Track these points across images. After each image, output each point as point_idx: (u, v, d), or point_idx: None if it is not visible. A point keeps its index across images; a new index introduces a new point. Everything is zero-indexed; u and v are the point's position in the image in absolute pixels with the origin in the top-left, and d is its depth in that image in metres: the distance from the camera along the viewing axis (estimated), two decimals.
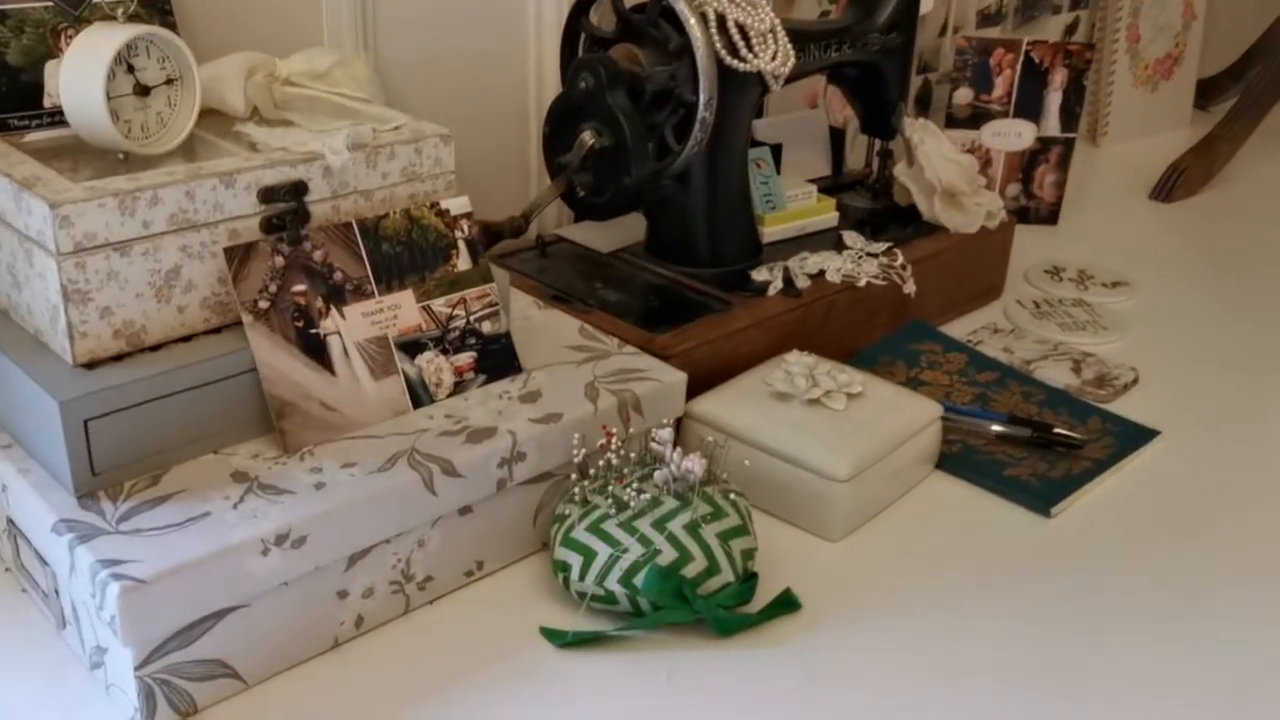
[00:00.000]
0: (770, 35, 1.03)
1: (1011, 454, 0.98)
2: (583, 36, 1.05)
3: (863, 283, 1.09)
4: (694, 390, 0.93)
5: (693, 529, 0.75)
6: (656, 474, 0.77)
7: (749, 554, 0.77)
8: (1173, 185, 1.65)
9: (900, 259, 1.13)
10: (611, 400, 0.84)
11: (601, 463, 0.78)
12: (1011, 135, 1.49)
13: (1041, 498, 0.92)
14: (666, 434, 0.79)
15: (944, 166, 1.21)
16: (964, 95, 1.48)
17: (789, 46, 1.05)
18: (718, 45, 1.00)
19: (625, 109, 0.96)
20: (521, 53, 1.16)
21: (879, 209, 1.28)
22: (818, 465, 0.86)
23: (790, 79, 1.11)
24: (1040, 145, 1.50)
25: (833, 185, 1.32)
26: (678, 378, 0.88)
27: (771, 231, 1.16)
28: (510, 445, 0.78)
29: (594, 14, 1.03)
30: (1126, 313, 1.27)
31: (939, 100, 1.61)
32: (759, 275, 1.07)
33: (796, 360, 0.95)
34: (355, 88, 0.92)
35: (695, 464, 0.76)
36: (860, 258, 1.13)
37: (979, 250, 1.24)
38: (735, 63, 1.01)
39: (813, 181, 1.30)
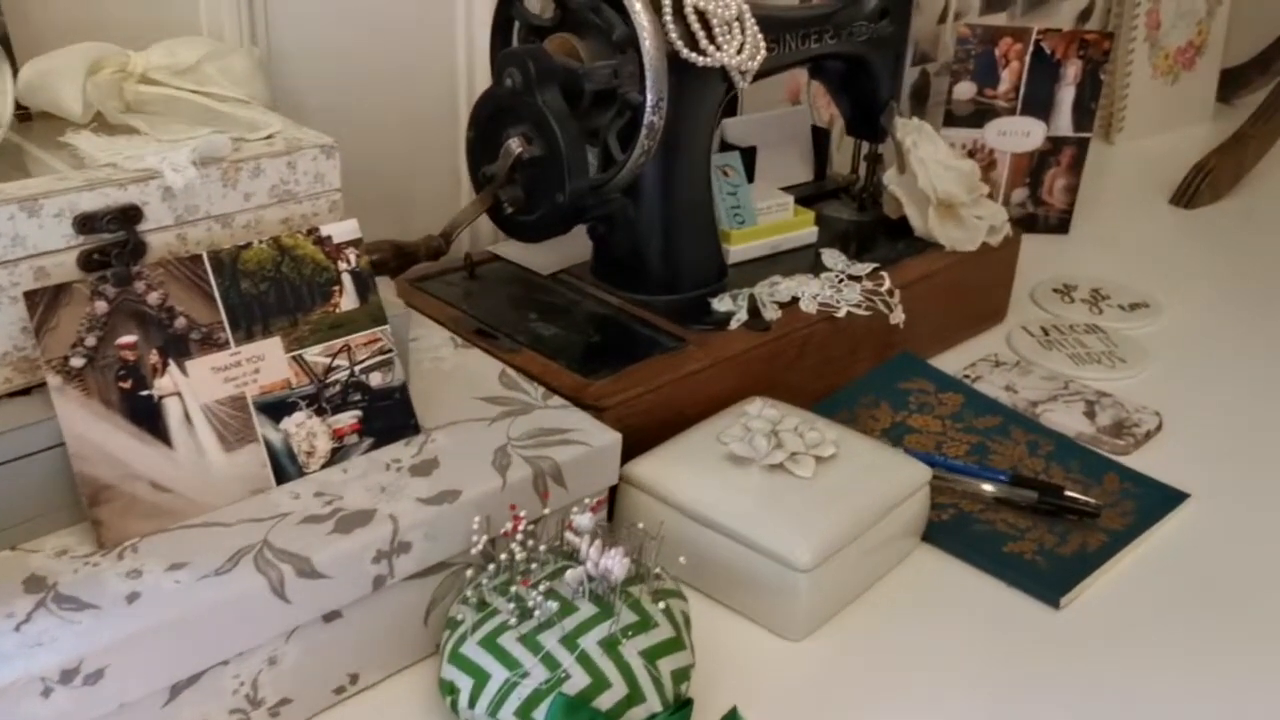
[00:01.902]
0: (736, 24, 0.88)
1: (1014, 524, 0.83)
2: (516, 25, 0.90)
3: (842, 313, 0.94)
4: (639, 445, 0.78)
5: (611, 646, 0.60)
6: (569, 573, 0.62)
7: (682, 675, 0.62)
8: (1197, 188, 1.49)
9: (887, 283, 0.97)
10: (526, 471, 0.69)
11: (504, 555, 0.64)
12: (1019, 135, 1.33)
13: (1048, 584, 0.77)
14: (585, 521, 0.64)
15: (940, 174, 1.06)
16: (965, 90, 1.32)
17: (759, 37, 0.90)
18: (672, 35, 0.84)
19: (558, 111, 0.80)
20: (450, 45, 1.00)
21: (866, 221, 1.12)
22: (775, 550, 0.70)
23: (762, 74, 0.95)
24: (1050, 146, 1.34)
25: (814, 193, 1.16)
26: (609, 440, 0.73)
27: (739, 250, 1.01)
28: (390, 534, 0.63)
29: None
30: (1147, 340, 1.12)
31: (938, 95, 1.45)
32: (721, 305, 0.92)
33: (758, 412, 0.79)
34: (231, 86, 0.76)
35: (616, 564, 0.61)
36: (841, 281, 0.97)
37: (980, 270, 1.09)
38: (693, 56, 0.85)
39: (792, 189, 1.15)
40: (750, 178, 1.09)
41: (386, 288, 0.84)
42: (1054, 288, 1.22)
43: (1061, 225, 1.38)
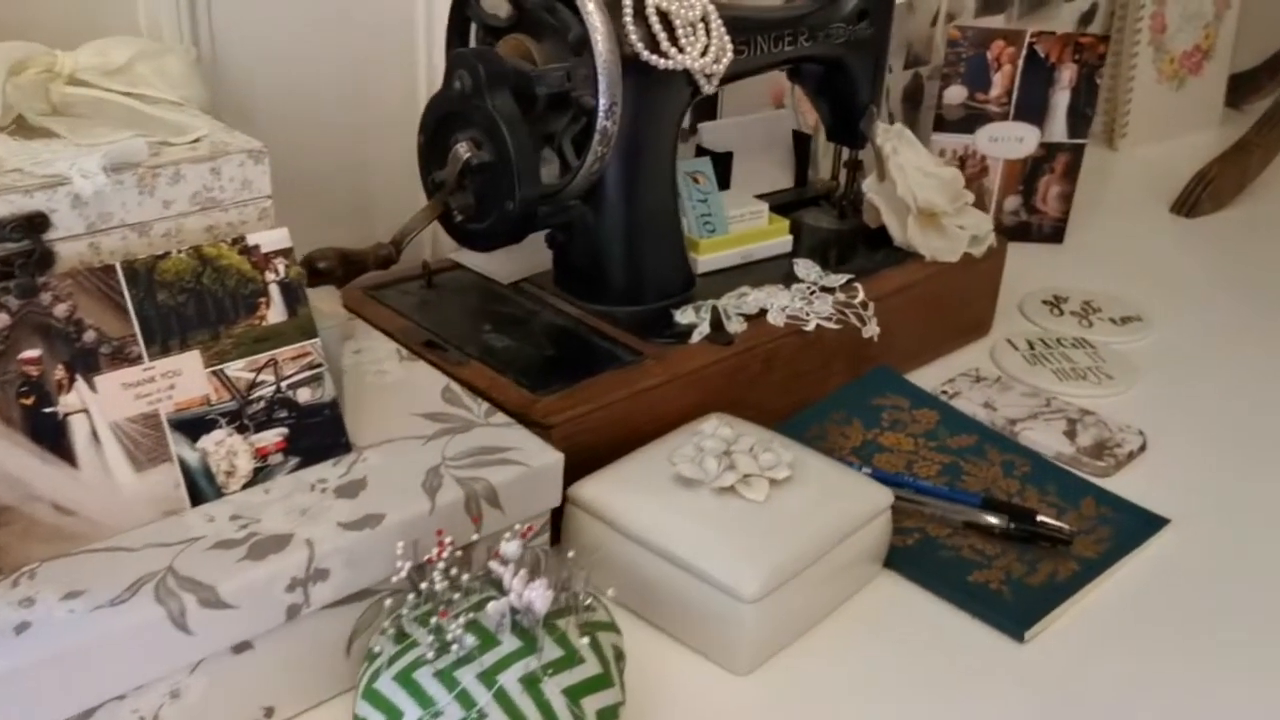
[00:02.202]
0: (701, 25, 0.84)
1: (983, 550, 0.79)
2: (474, 26, 0.86)
3: (811, 326, 0.90)
4: (589, 465, 0.75)
5: (531, 683, 0.57)
6: (491, 605, 0.58)
7: (609, 713, 0.59)
8: (1198, 198, 1.45)
9: (860, 295, 0.94)
10: (456, 493, 0.66)
11: (424, 585, 0.60)
12: (1011, 140, 1.29)
13: (1014, 616, 0.73)
14: (513, 548, 0.61)
15: (921, 182, 1.02)
16: (956, 94, 1.28)
17: (726, 39, 0.86)
18: (632, 37, 0.81)
19: (508, 115, 0.77)
20: (410, 46, 0.97)
21: (846, 230, 1.08)
22: (720, 578, 0.67)
23: (732, 77, 0.92)
24: (1044, 152, 1.30)
25: (795, 200, 1.13)
26: (550, 460, 0.70)
27: (708, 260, 0.97)
28: (306, 561, 0.59)
29: None
30: (1137, 355, 1.08)
31: (930, 98, 1.41)
32: (683, 317, 0.88)
33: (713, 431, 0.76)
34: (166, 88, 0.74)
35: (538, 597, 0.57)
36: (813, 293, 0.94)
37: (962, 281, 1.05)
38: (654, 59, 0.82)
39: (771, 196, 1.11)
40: (725, 184, 1.06)
41: (331, 297, 0.81)
42: (1044, 299, 1.18)
43: (1056, 234, 1.33)
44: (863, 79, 1.02)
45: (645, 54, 0.82)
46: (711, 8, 0.85)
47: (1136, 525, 0.82)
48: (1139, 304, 1.18)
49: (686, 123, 1.00)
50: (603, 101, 0.77)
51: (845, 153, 1.10)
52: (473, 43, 0.87)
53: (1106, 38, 1.27)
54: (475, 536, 0.65)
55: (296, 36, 0.90)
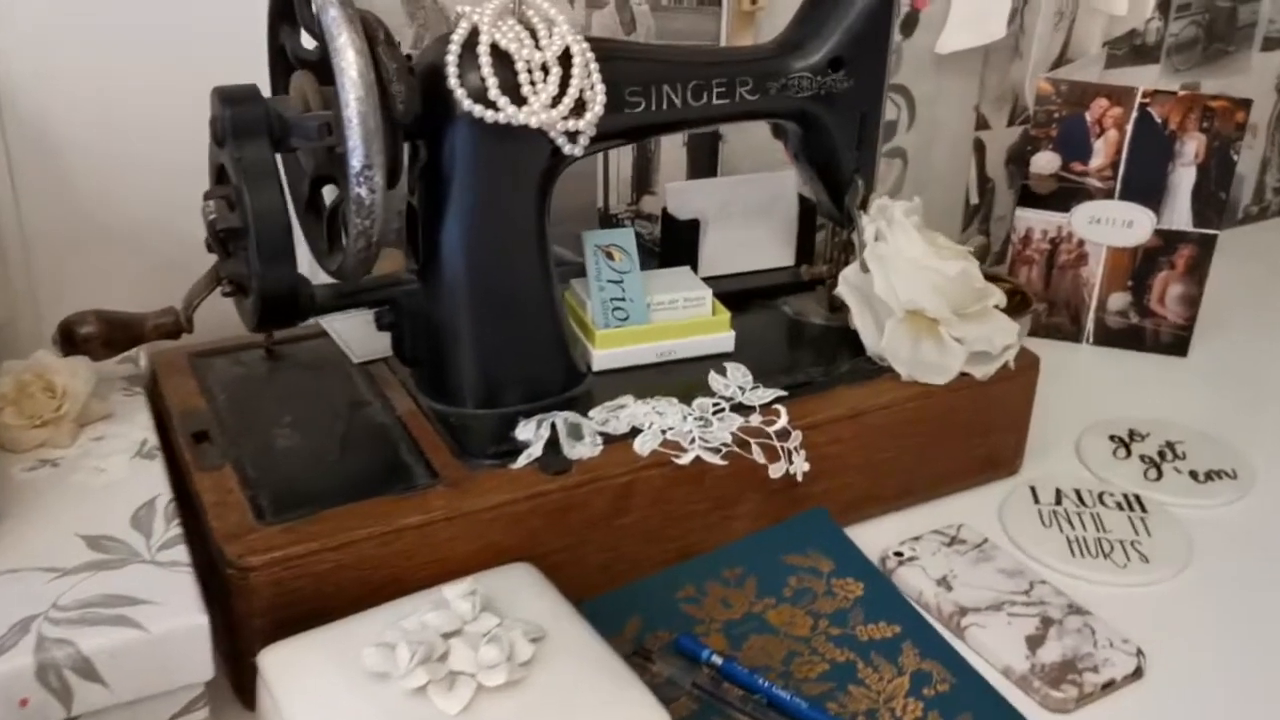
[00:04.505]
0: (556, 68, 0.66)
1: None
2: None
3: (686, 459, 0.70)
4: (316, 621, 0.59)
5: None
6: None
7: None
8: None
9: (782, 421, 0.72)
10: (25, 661, 0.51)
11: None
12: (1118, 224, 1.02)
13: None
14: None
15: (910, 276, 0.79)
16: (1047, 162, 1.03)
17: (596, 88, 0.68)
18: (452, 82, 0.64)
19: (255, 170, 0.62)
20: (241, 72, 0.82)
21: (834, 327, 0.86)
22: None
23: (647, 132, 0.74)
24: (1161, 242, 1.02)
25: (788, 284, 0.91)
26: (189, 624, 0.54)
27: (607, 355, 0.78)
28: None
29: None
30: (1205, 530, 0.80)
31: None
32: (524, 431, 0.70)
33: (455, 597, 0.58)
34: None
35: None
36: (719, 412, 0.73)
37: (967, 405, 0.81)
38: (475, 109, 0.65)
39: (758, 276, 0.91)
40: (685, 259, 0.87)
41: (84, 369, 0.69)
42: (1114, 433, 0.91)
43: (1177, 345, 1.05)
44: (842, 143, 0.81)
45: (466, 103, 0.65)
46: (580, 46, 0.67)
47: None
48: (1241, 455, 0.89)
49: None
50: (354, 162, 0.60)
51: (839, 232, 0.88)
52: None
53: (1248, 102, 0.98)
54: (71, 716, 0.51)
55: (104, 59, 0.77)
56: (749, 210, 0.92)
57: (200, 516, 0.62)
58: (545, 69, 0.66)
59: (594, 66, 0.68)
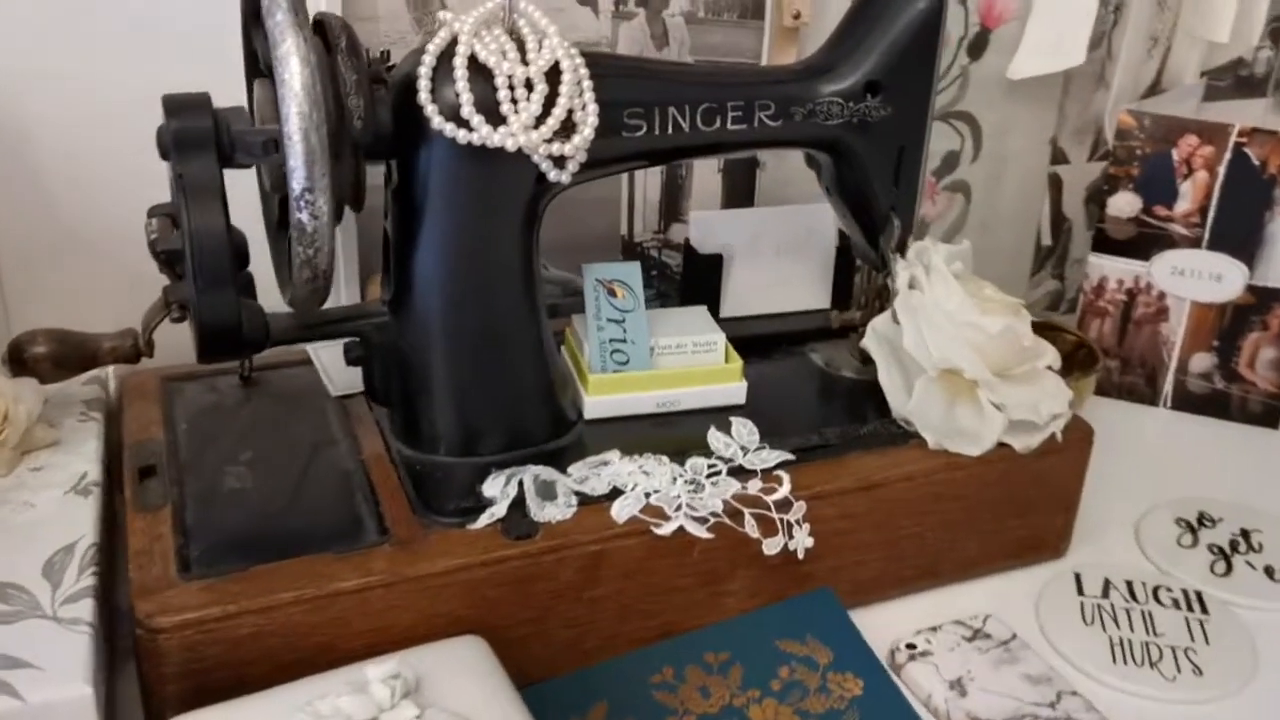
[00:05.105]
0: (541, 83, 0.59)
1: None
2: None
3: (667, 530, 0.63)
4: (240, 690, 0.53)
5: None
6: None
7: None
8: None
9: (784, 490, 0.65)
10: None
11: None
12: (1204, 278, 0.92)
13: None
14: None
15: (945, 332, 0.70)
16: (1126, 204, 0.93)
17: (586, 109, 0.61)
18: (422, 94, 0.58)
19: (197, 187, 0.56)
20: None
21: (864, 381, 0.78)
22: None
23: (650, 159, 0.67)
24: (1253, 299, 0.91)
25: (821, 329, 0.83)
26: (68, 696, 0.49)
27: (601, 403, 0.71)
28: None
29: None
30: (1276, 634, 0.70)
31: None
32: (492, 486, 0.63)
33: (376, 679, 0.52)
34: None
35: None
36: (714, 475, 0.66)
37: (1014, 480, 0.72)
38: (447, 128, 0.58)
39: (800, 316, 0.84)
40: (705, 299, 0.80)
41: (30, 392, 0.64)
42: (1181, 516, 0.81)
43: (1267, 417, 0.94)
44: (878, 178, 0.72)
45: (437, 120, 0.58)
46: (572, 61, 0.60)
47: None
48: None
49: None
50: (293, 184, 0.54)
51: (874, 275, 0.79)
52: None
53: None
54: None
55: (85, 59, 0.72)
56: (781, 245, 0.84)
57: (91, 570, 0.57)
58: (529, 85, 0.59)
59: (587, 84, 0.61)
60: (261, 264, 0.62)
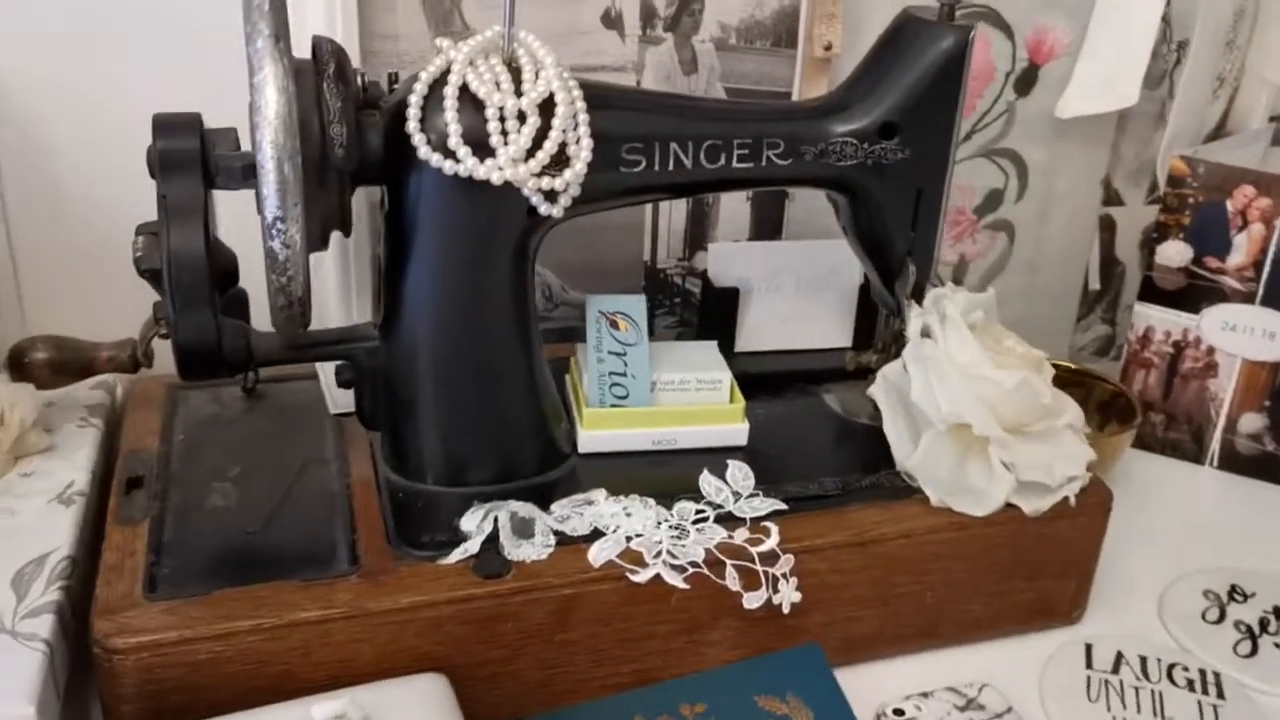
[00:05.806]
0: (534, 115, 0.58)
1: None
2: None
3: (643, 577, 0.61)
4: (193, 713, 0.53)
5: None
6: None
7: None
8: None
9: (771, 542, 0.63)
10: None
11: None
12: (1257, 335, 0.87)
13: None
14: None
15: (957, 385, 0.67)
16: (1177, 253, 0.88)
17: (580, 142, 0.59)
18: (411, 124, 0.57)
19: (178, 209, 0.56)
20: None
21: (877, 429, 0.75)
22: None
23: (649, 194, 0.65)
24: None
25: (837, 370, 0.80)
26: (11, 716, 0.49)
27: (595, 438, 0.70)
28: None
29: None
30: None
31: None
32: (469, 521, 0.62)
33: (321, 715, 0.51)
34: None
35: None
36: (701, 521, 0.64)
37: (1020, 544, 0.69)
38: (435, 159, 0.57)
39: (818, 355, 0.82)
40: (719, 334, 0.78)
41: (27, 398, 0.65)
42: (1210, 588, 0.77)
43: None
44: (894, 221, 0.70)
45: (424, 150, 0.58)
46: (569, 94, 0.59)
47: None
48: None
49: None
50: (265, 213, 0.53)
51: (891, 319, 0.76)
52: None
53: None
54: None
55: (104, 69, 0.73)
56: (802, 280, 0.82)
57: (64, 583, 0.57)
58: (521, 117, 0.58)
59: (583, 118, 0.59)
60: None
